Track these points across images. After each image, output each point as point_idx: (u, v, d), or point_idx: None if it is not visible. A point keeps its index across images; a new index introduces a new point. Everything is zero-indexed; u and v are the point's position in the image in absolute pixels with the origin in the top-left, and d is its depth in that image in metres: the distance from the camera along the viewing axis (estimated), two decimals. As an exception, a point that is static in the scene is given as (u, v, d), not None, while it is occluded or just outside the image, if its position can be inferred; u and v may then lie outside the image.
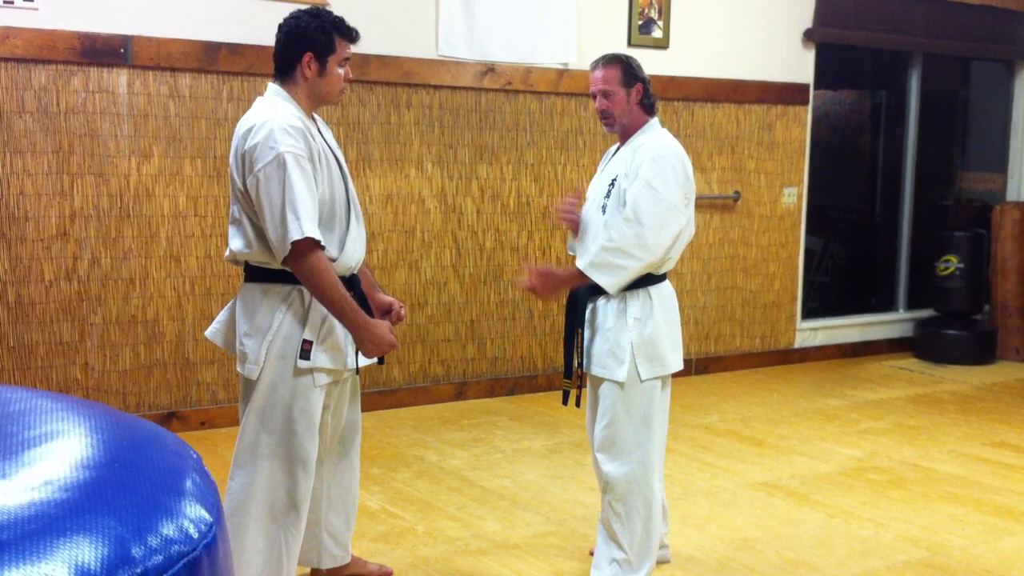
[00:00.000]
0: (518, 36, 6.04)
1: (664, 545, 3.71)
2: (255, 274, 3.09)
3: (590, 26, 6.26)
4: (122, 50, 4.99)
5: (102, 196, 5.02)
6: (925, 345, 7.70)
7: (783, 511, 4.32)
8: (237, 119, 5.40)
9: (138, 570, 1.18)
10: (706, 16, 6.74)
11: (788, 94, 7.13)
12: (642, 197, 3.24)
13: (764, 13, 6.97)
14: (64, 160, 4.94)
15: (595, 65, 3.45)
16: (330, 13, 3.09)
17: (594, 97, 3.45)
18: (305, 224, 2.88)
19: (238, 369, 3.12)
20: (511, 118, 6.11)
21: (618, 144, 3.55)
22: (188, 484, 1.39)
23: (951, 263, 7.61)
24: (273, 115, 2.95)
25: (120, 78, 5.02)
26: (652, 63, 6.30)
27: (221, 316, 3.23)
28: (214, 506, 1.38)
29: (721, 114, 6.88)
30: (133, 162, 5.08)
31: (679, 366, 3.44)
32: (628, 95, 3.40)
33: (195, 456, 1.54)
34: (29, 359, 4.95)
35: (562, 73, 6.19)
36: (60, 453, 1.36)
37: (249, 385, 3.10)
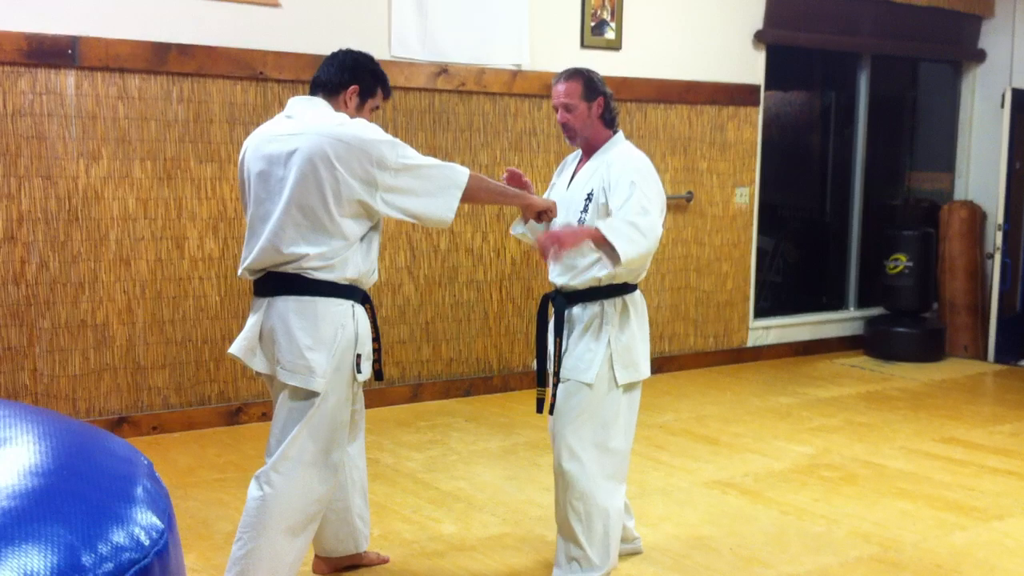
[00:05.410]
0: (471, 37, 6.03)
1: (635, 537, 3.79)
2: (309, 287, 3.07)
3: (543, 27, 6.26)
4: (70, 51, 4.92)
5: (50, 199, 4.95)
6: (875, 343, 7.80)
7: (737, 509, 4.36)
8: (187, 120, 5.38)
9: (88, 578, 1.17)
10: (658, 17, 6.78)
11: (740, 95, 7.19)
12: (640, 197, 3.26)
13: (715, 14, 7.03)
14: (11, 163, 4.86)
15: (557, 79, 3.48)
16: (381, 68, 3.43)
17: (556, 110, 3.48)
18: (455, 199, 3.17)
19: (288, 380, 3.07)
20: (465, 119, 6.10)
21: (580, 156, 3.57)
22: (139, 491, 1.37)
23: (900, 262, 7.72)
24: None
25: (68, 79, 4.95)
26: (605, 64, 6.33)
27: (247, 332, 3.18)
28: (165, 512, 1.37)
29: (674, 115, 6.92)
30: (82, 164, 5.01)
31: (648, 373, 3.55)
32: (589, 108, 3.44)
33: (146, 462, 1.53)
34: (-24, 365, 4.86)
35: (515, 74, 6.19)
36: (7, 460, 1.34)
37: (299, 395, 3.09)
